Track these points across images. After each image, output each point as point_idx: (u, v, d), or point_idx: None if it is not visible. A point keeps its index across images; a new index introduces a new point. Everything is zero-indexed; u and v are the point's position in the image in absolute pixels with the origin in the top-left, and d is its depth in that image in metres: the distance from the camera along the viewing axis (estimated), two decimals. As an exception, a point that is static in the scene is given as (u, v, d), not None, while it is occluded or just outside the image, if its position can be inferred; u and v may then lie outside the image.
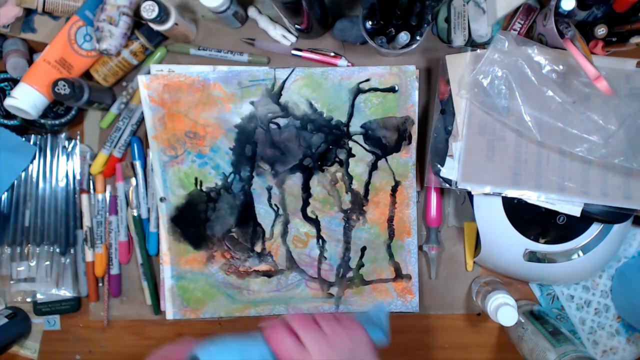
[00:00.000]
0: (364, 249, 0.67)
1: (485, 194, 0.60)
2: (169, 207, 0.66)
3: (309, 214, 0.66)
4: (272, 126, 0.65)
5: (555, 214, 0.60)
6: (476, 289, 0.66)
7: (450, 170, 0.61)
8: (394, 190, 0.66)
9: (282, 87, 0.65)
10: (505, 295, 0.59)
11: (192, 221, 0.66)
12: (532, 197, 0.59)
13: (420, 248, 0.68)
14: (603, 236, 0.61)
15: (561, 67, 0.58)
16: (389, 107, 0.65)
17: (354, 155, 0.65)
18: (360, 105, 0.65)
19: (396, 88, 0.64)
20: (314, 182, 0.66)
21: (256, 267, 0.67)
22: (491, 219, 0.61)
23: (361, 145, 0.65)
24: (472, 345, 0.70)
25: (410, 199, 0.66)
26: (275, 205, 0.66)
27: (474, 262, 0.68)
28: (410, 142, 0.65)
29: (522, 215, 0.61)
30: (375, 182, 0.66)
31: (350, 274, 0.67)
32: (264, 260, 0.67)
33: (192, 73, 0.64)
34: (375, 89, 0.65)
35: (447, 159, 0.61)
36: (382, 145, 0.65)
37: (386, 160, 0.65)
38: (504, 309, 0.57)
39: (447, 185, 0.61)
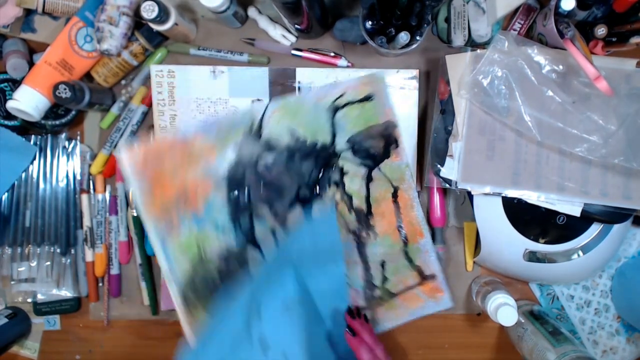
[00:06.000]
0: (383, 264, 0.66)
1: (485, 194, 0.60)
2: (178, 283, 0.62)
3: None
4: (260, 167, 0.63)
5: (555, 214, 0.60)
6: (476, 289, 0.66)
7: (450, 170, 0.61)
8: (395, 196, 0.65)
9: (260, 124, 0.63)
10: (505, 295, 0.59)
11: (205, 291, 0.62)
12: (532, 197, 0.59)
13: None
14: (603, 236, 0.61)
15: (561, 67, 0.58)
16: (369, 116, 0.64)
17: (346, 173, 0.64)
18: (340, 121, 0.64)
19: (371, 96, 0.64)
20: (316, 212, 0.64)
21: None
22: (491, 219, 0.61)
23: (351, 161, 0.64)
24: (472, 345, 0.70)
25: (413, 200, 0.65)
26: None
27: (474, 262, 0.68)
28: (397, 145, 0.65)
29: (522, 215, 0.61)
30: (375, 193, 0.65)
31: (377, 293, 0.66)
32: None
33: (168, 135, 0.62)
34: (351, 102, 0.64)
35: (447, 159, 0.61)
36: (371, 155, 0.64)
37: (379, 169, 0.65)
38: (504, 309, 0.57)
39: (447, 185, 0.61)
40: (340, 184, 0.64)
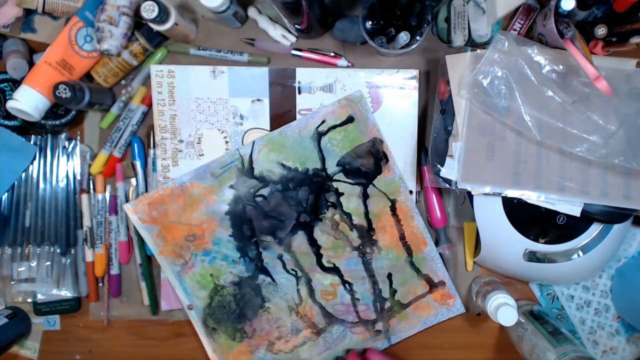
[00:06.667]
0: (390, 276, 0.67)
1: (485, 194, 0.60)
2: (198, 312, 0.66)
3: (326, 264, 0.66)
4: (258, 199, 0.65)
5: (555, 214, 0.60)
6: (476, 289, 0.66)
7: (450, 170, 0.61)
8: (393, 209, 0.66)
9: (250, 162, 0.65)
10: (505, 295, 0.59)
11: (224, 316, 0.67)
12: (532, 197, 0.59)
13: None
14: (603, 236, 0.61)
15: (561, 67, 0.58)
16: (354, 137, 0.65)
17: (342, 194, 0.66)
18: (327, 146, 0.65)
19: (352, 117, 0.65)
20: (318, 234, 0.66)
21: (299, 335, 0.67)
22: (491, 219, 0.61)
23: (345, 182, 0.65)
24: (472, 345, 0.70)
25: (412, 210, 0.66)
26: (292, 269, 0.66)
27: (474, 262, 0.68)
28: (387, 160, 0.65)
29: (522, 215, 0.61)
30: (373, 209, 0.66)
31: (387, 305, 0.67)
32: (303, 326, 0.67)
33: (168, 183, 0.65)
34: (334, 126, 0.65)
35: (447, 159, 0.61)
36: (363, 173, 0.65)
37: (373, 185, 0.66)
38: (504, 309, 0.57)
39: (447, 185, 0.61)
40: (338, 205, 0.66)
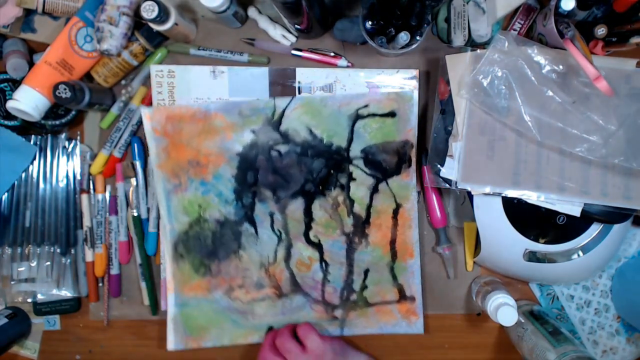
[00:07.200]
0: (367, 272, 0.67)
1: (485, 194, 0.60)
2: (173, 234, 0.66)
3: (312, 238, 0.66)
4: (273, 153, 0.65)
5: (555, 214, 0.60)
6: (476, 289, 0.66)
7: (450, 170, 0.61)
8: (396, 213, 0.66)
9: (282, 115, 0.65)
10: (505, 295, 0.59)
11: (196, 248, 0.66)
12: (532, 197, 0.59)
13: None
14: (603, 236, 0.61)
15: (561, 67, 0.58)
16: (388, 132, 0.65)
17: (354, 179, 0.65)
18: (359, 130, 0.65)
19: (395, 113, 0.64)
20: (316, 207, 0.66)
21: (260, 291, 0.67)
22: (491, 219, 0.61)
23: (362, 170, 0.65)
24: (472, 345, 0.70)
25: (412, 221, 0.66)
26: (278, 230, 0.66)
27: (474, 262, 0.68)
28: (410, 165, 0.65)
29: (522, 215, 0.61)
30: (377, 205, 0.66)
31: (354, 297, 0.67)
32: (268, 284, 0.67)
33: (193, 104, 0.64)
34: (374, 114, 0.65)
35: (447, 159, 0.61)
36: (382, 168, 0.65)
37: (387, 183, 0.65)
38: (504, 309, 0.57)
39: (447, 185, 0.61)
40: (345, 188, 0.65)
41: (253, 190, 0.66)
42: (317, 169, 0.65)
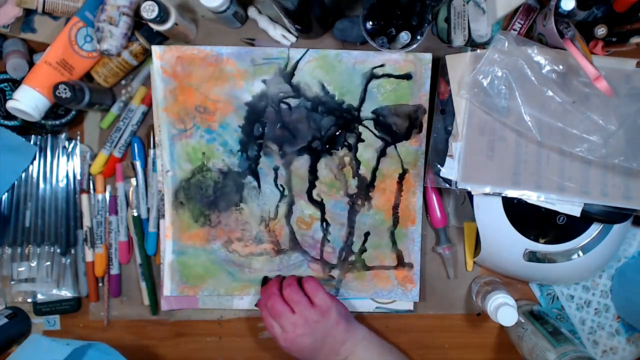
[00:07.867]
0: (367, 234, 0.66)
1: (485, 194, 0.60)
2: (175, 181, 0.65)
3: (315, 196, 0.66)
4: (283, 106, 0.64)
5: (555, 214, 0.60)
6: (476, 289, 0.66)
7: (450, 170, 0.61)
8: (401, 177, 0.66)
9: (295, 67, 0.64)
10: (505, 295, 0.59)
11: (197, 196, 0.65)
12: (532, 197, 0.59)
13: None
14: (603, 236, 0.61)
15: (561, 67, 0.58)
16: (402, 94, 0.64)
17: (363, 141, 0.65)
18: (372, 90, 0.64)
19: (411, 75, 0.64)
20: (322, 165, 0.65)
21: (259, 246, 0.66)
22: (491, 219, 0.61)
23: (371, 131, 0.65)
24: (472, 345, 0.70)
25: (417, 187, 0.66)
26: (281, 185, 0.66)
27: (474, 262, 0.68)
28: (420, 131, 0.65)
29: (522, 215, 0.61)
30: (383, 168, 0.65)
31: (352, 258, 0.67)
32: (267, 239, 0.66)
33: (206, 47, 0.64)
34: (390, 75, 0.64)
35: (447, 159, 0.61)
36: (392, 132, 0.65)
37: (395, 147, 0.65)
38: (504, 309, 0.57)
39: (447, 185, 0.61)
40: (353, 148, 0.65)
41: (259, 142, 0.65)
42: (325, 127, 0.64)
